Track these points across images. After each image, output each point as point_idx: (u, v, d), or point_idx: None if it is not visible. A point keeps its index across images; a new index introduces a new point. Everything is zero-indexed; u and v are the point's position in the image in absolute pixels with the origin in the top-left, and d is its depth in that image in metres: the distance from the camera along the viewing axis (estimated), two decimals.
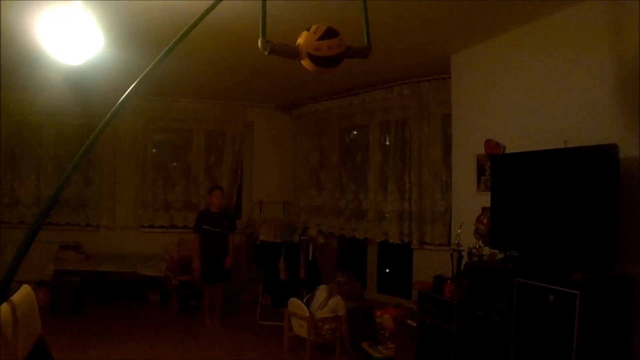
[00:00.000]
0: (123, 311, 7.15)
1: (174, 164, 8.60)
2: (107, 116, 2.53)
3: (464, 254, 4.54)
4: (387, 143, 6.94)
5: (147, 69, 2.59)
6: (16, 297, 2.49)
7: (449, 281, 4.51)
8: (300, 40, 2.52)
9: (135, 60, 5.23)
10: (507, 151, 4.57)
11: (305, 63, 2.54)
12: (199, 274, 6.70)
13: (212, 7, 2.72)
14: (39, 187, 7.86)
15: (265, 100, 8.52)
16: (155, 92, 7.70)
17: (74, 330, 6.14)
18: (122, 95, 2.63)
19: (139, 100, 7.97)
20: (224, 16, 4.12)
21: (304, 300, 5.74)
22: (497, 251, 4.26)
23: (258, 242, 7.13)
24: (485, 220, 4.50)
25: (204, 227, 6.67)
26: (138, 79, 2.60)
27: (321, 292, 5.76)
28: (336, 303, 5.61)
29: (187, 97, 8.26)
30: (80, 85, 6.69)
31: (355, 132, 7.84)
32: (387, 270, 7.44)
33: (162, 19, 4.28)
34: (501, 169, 4.28)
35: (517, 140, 4.44)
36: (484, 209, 4.65)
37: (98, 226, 8.13)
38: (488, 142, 4.82)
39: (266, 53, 2.46)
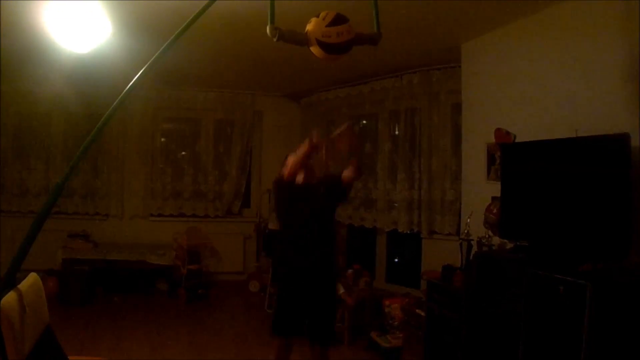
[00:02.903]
0: (132, 300, 7.16)
1: (183, 153, 8.62)
2: (114, 104, 2.51)
3: (474, 243, 4.52)
4: (397, 132, 6.89)
5: (156, 55, 2.56)
6: (23, 285, 2.49)
7: (458, 271, 4.50)
8: (309, 27, 2.47)
9: (142, 49, 5.19)
10: (518, 140, 4.51)
11: (314, 50, 2.50)
12: None
13: None
14: (48, 177, 7.87)
15: (274, 89, 8.50)
16: (163, 81, 7.68)
17: (83, 319, 6.16)
18: (129, 84, 2.60)
19: (147, 90, 7.96)
20: (232, 3, 4.08)
21: None
22: (506, 241, 4.23)
23: (267, 231, 7.12)
24: (495, 210, 4.47)
25: None
26: (146, 65, 2.57)
27: None
28: None
29: (196, 87, 8.26)
30: (87, 73, 6.67)
31: (364, 121, 7.80)
32: (396, 260, 7.41)
33: (169, 7, 4.25)
34: (511, 158, 4.24)
35: (527, 129, 4.38)
36: (493, 199, 4.61)
37: (107, 215, 8.16)
38: (498, 131, 4.76)
39: (275, 40, 2.42)
